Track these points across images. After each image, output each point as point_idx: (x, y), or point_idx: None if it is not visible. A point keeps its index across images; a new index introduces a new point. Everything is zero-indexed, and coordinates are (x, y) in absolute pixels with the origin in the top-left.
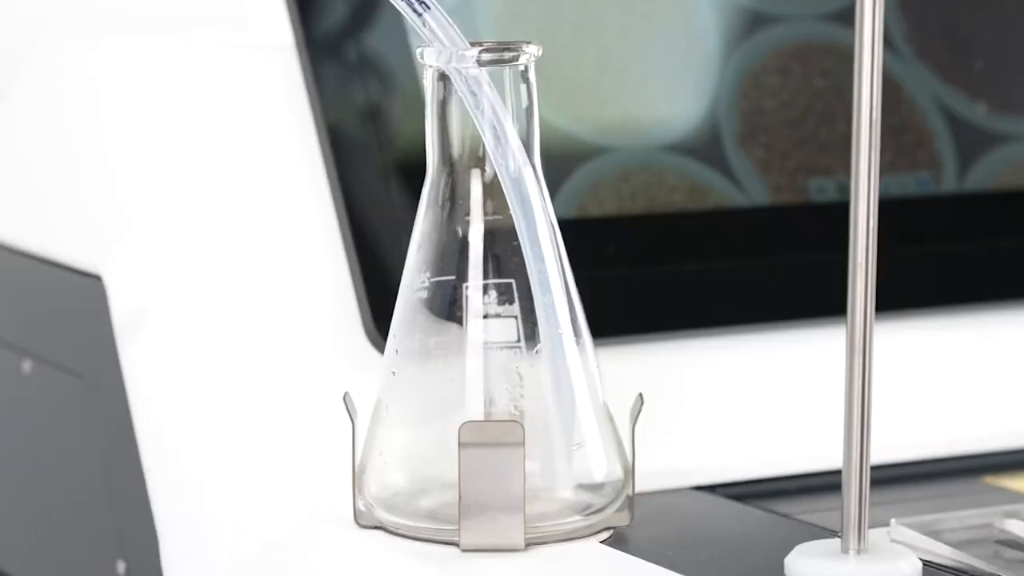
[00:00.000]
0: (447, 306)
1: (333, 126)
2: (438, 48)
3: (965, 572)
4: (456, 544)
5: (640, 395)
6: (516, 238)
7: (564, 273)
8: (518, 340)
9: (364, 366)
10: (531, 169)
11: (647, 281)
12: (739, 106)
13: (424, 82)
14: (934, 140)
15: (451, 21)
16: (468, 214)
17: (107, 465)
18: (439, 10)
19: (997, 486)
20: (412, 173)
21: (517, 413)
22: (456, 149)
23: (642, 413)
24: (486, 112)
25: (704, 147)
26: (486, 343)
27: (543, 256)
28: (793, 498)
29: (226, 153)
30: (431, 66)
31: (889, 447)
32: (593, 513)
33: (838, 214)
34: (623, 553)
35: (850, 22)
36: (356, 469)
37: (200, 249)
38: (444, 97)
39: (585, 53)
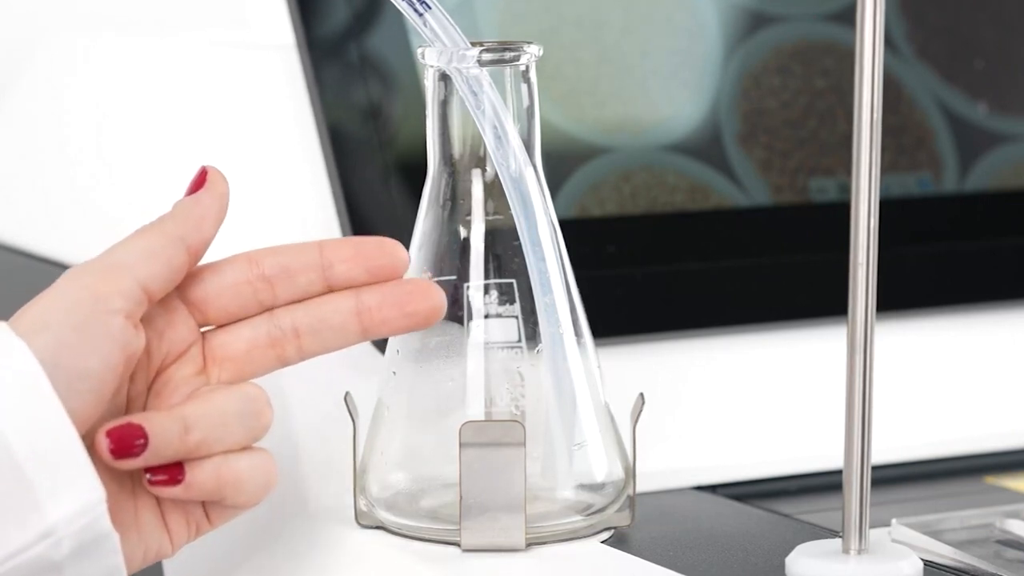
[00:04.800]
0: (448, 306)
1: (334, 126)
2: (439, 48)
3: (966, 572)
4: (457, 544)
5: (641, 395)
6: (517, 238)
7: (565, 273)
8: (519, 340)
9: (365, 366)
10: (532, 169)
11: (647, 281)
12: (740, 106)
13: (425, 82)
14: (934, 140)
15: (452, 21)
16: (469, 214)
17: None
18: (440, 10)
19: (998, 486)
20: (413, 173)
21: (518, 413)
22: (457, 149)
23: (643, 413)
24: (487, 112)
25: (705, 147)
26: (487, 343)
27: (544, 256)
28: (794, 498)
29: (227, 153)
30: (432, 66)
31: (890, 447)
32: (594, 513)
33: (839, 214)
34: (624, 553)
35: (850, 22)
36: (357, 469)
37: None
38: (445, 97)
39: (586, 53)
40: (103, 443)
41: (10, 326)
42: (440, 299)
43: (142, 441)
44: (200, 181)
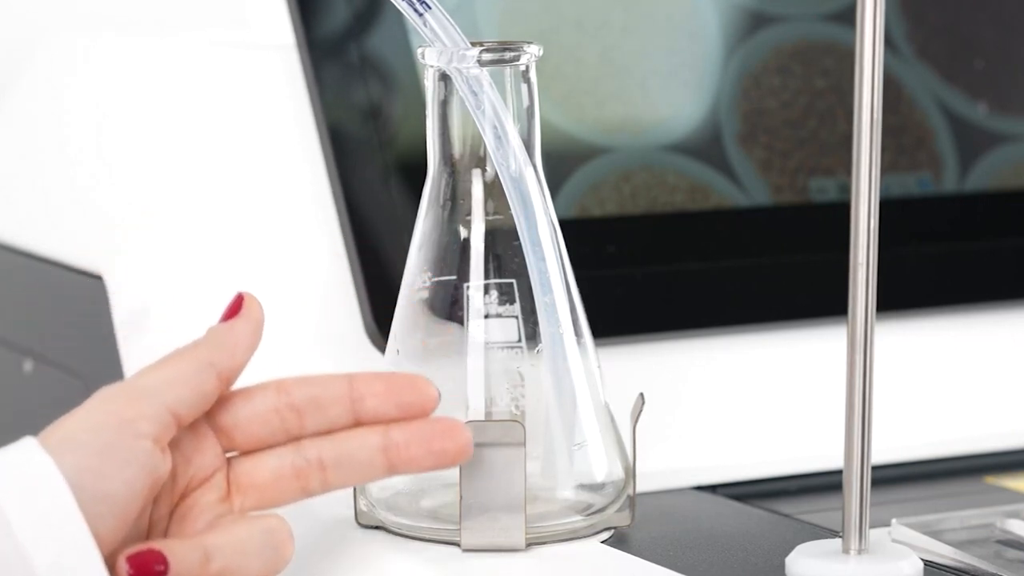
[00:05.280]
0: (448, 306)
1: (334, 126)
2: (439, 48)
3: (966, 572)
4: (457, 544)
5: (641, 395)
6: (517, 238)
7: (565, 273)
8: (519, 340)
9: (365, 366)
10: (532, 169)
11: (647, 281)
12: (740, 106)
13: (425, 82)
14: (934, 140)
15: (452, 21)
16: (469, 214)
17: None
18: (440, 10)
19: (998, 486)
20: (413, 173)
21: (518, 413)
22: (457, 149)
23: (643, 413)
24: (487, 112)
25: (705, 147)
26: (487, 343)
27: (544, 256)
28: (794, 498)
29: (227, 153)
30: (432, 66)
31: (890, 447)
32: (594, 513)
33: (839, 214)
34: (624, 553)
35: (851, 22)
36: None
37: (201, 249)
38: (445, 97)
39: (586, 53)
40: (123, 568)
41: (39, 442)
42: (467, 440)
43: (162, 568)
44: (236, 308)
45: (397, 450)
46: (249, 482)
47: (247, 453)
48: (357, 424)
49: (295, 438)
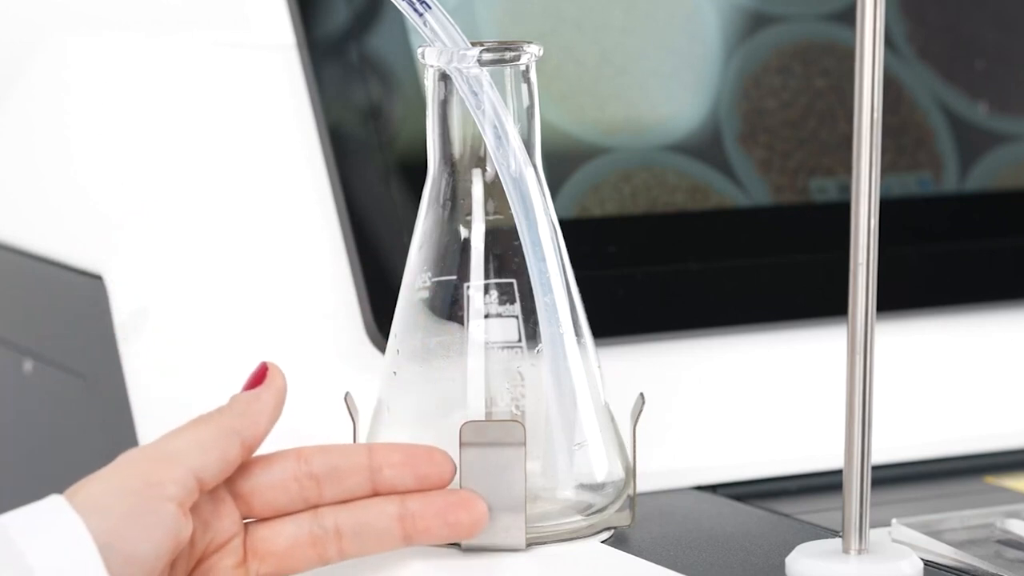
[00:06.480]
0: (448, 306)
1: (334, 126)
2: (439, 48)
3: (966, 572)
4: (457, 544)
5: (641, 395)
6: (517, 238)
7: (565, 273)
8: (519, 340)
9: (365, 366)
10: (532, 169)
11: (647, 281)
12: (740, 106)
13: (425, 82)
14: (935, 140)
15: (452, 21)
16: (469, 214)
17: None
18: (440, 10)
19: (998, 486)
20: (413, 173)
21: (518, 413)
22: (457, 149)
23: (643, 413)
24: (487, 112)
25: (705, 147)
26: (487, 343)
27: (544, 256)
28: (794, 498)
29: (227, 153)
30: (432, 66)
31: (890, 447)
32: (594, 513)
33: (839, 214)
34: (624, 553)
35: (851, 22)
36: None
37: (201, 249)
38: (445, 97)
39: (586, 53)
40: None
41: (66, 501)
42: (483, 512)
43: None
44: (260, 377)
45: (413, 520)
46: (266, 549)
47: (265, 520)
48: (375, 494)
49: (313, 506)
